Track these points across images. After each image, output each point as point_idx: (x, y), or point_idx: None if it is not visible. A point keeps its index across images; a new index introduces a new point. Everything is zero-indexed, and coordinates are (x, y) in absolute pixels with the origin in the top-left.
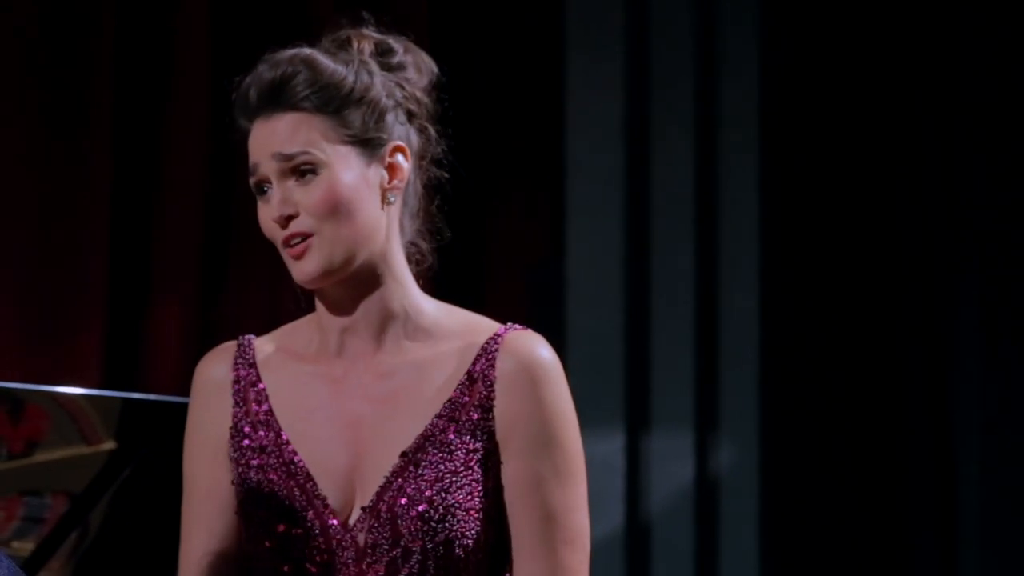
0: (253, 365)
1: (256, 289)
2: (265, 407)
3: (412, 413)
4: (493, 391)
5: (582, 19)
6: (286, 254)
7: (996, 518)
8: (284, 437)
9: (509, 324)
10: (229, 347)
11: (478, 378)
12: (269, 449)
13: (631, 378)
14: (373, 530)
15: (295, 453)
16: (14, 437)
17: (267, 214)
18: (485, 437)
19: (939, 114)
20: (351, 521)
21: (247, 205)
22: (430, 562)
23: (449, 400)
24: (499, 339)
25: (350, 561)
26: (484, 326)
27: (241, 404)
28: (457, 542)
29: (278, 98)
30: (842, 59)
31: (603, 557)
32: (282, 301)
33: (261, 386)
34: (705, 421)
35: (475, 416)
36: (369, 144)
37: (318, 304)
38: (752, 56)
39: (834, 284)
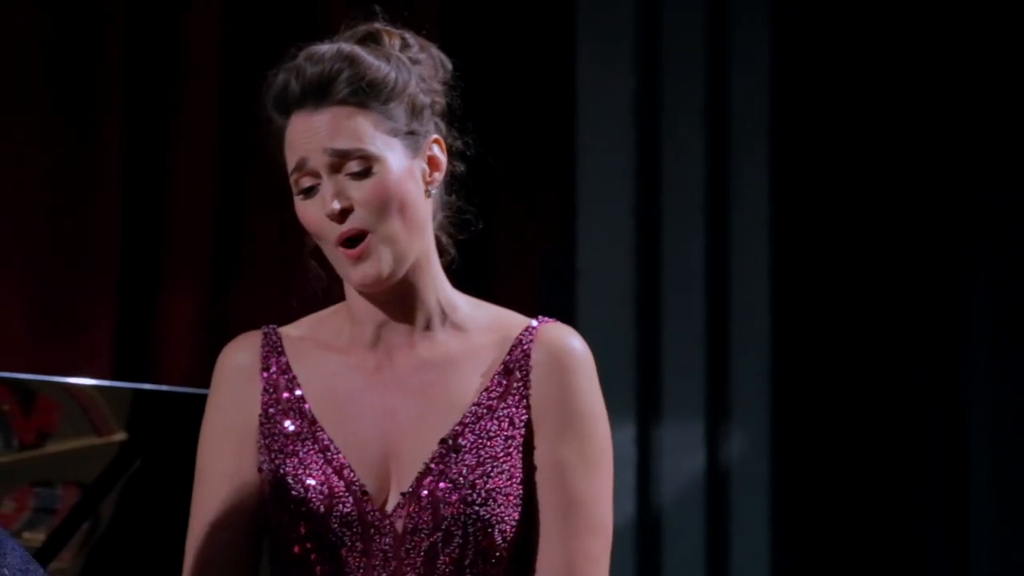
0: (282, 353)
1: (267, 280)
2: (298, 395)
3: (448, 403)
4: (529, 380)
5: (593, 8)
6: (340, 255)
7: (1008, 509)
8: (318, 425)
9: (541, 317)
10: (255, 335)
11: (514, 368)
12: (303, 437)
13: (642, 368)
14: (413, 515)
15: (331, 441)
16: (26, 428)
17: (316, 210)
18: (522, 425)
19: (950, 104)
20: (389, 508)
21: (258, 197)
22: (469, 547)
23: (486, 390)
24: (533, 331)
25: (388, 547)
26: (515, 320)
27: (272, 391)
28: (497, 527)
29: (325, 93)
30: (853, 48)
31: (614, 547)
32: (293, 292)
33: (292, 374)
34: (716, 411)
35: (512, 405)
36: (412, 137)
37: (352, 297)
38: (763, 45)
39: (845, 274)
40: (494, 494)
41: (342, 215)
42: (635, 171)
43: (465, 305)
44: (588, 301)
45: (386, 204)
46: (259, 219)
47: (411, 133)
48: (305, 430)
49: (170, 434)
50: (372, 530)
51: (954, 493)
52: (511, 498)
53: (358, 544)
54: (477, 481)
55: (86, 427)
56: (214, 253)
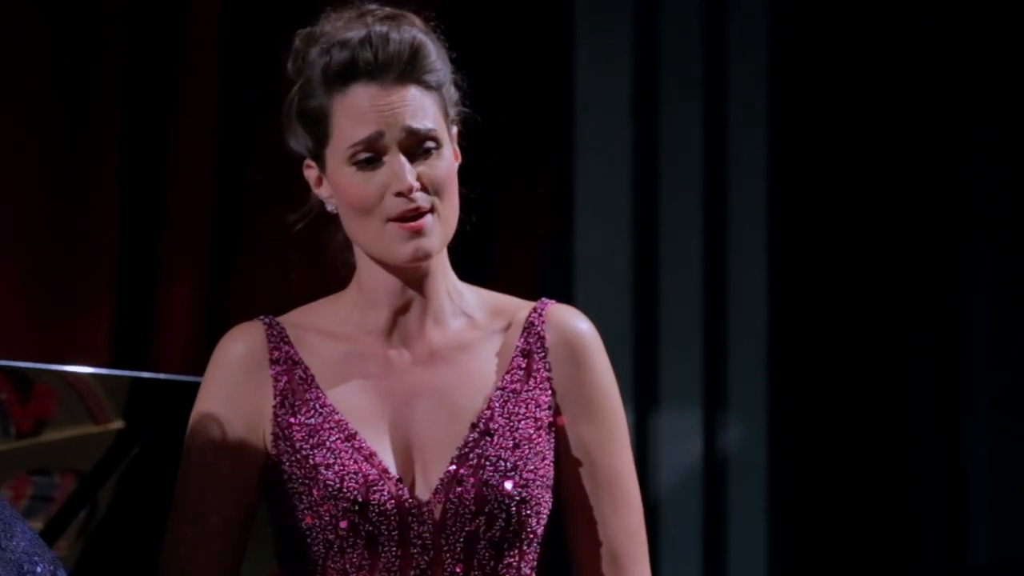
0: (289, 343)
1: (265, 268)
2: (313, 385)
3: (469, 388)
4: (548, 362)
5: None
6: (394, 229)
7: (1006, 498)
8: (339, 415)
9: (543, 299)
10: (255, 326)
11: (530, 352)
12: (326, 428)
13: (640, 357)
14: (453, 501)
15: (355, 431)
16: (23, 416)
17: (378, 183)
18: (547, 407)
19: (949, 93)
20: (424, 496)
21: (257, 185)
22: (509, 532)
23: (508, 372)
24: (542, 313)
25: (427, 535)
26: (518, 303)
27: (284, 382)
28: (534, 509)
29: (404, 70)
30: (851, 37)
31: None
32: (290, 280)
33: (304, 365)
34: (713, 399)
35: (535, 387)
36: (451, 123)
37: (373, 281)
38: (760, 35)
39: (842, 263)
40: (533, 476)
41: (412, 192)
42: (633, 160)
43: (467, 292)
44: (586, 289)
45: (448, 187)
46: (258, 207)
47: (452, 119)
48: (326, 420)
49: (167, 422)
50: (410, 518)
51: (951, 482)
52: (546, 479)
53: (395, 534)
54: (518, 463)
55: (84, 415)
56: (212, 241)
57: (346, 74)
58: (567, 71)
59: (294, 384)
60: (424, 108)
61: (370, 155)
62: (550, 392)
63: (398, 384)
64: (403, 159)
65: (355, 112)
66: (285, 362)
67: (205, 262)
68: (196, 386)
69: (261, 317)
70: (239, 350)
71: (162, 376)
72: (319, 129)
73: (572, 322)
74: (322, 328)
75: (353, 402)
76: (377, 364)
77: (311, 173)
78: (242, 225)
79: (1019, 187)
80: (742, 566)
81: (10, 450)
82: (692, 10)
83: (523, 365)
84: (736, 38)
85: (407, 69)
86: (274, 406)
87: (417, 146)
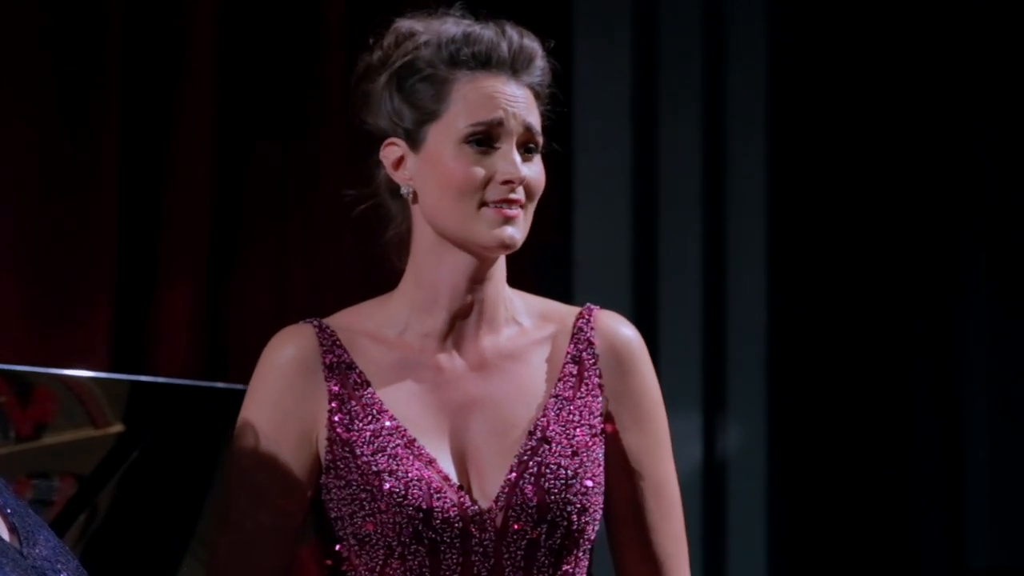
0: (342, 347)
1: (264, 271)
2: (369, 391)
3: (523, 398)
4: (598, 369)
5: (590, 0)
6: (489, 213)
7: (1004, 501)
8: (397, 420)
9: (588, 305)
10: (305, 328)
11: (581, 358)
12: (385, 433)
13: None
14: (516, 509)
15: (414, 437)
16: (23, 420)
17: (488, 166)
18: (599, 414)
19: (948, 94)
20: (484, 503)
21: (256, 190)
22: (568, 540)
23: (560, 380)
24: (589, 320)
25: (488, 543)
26: (563, 309)
27: (340, 387)
28: (591, 515)
29: (527, 70)
30: (849, 40)
31: None
32: (290, 283)
33: (358, 369)
34: (713, 403)
35: (587, 394)
36: None
37: (431, 280)
38: (759, 37)
39: (841, 266)
40: (592, 483)
41: (516, 184)
42: (632, 162)
43: (516, 298)
44: (585, 292)
45: (539, 191)
46: (256, 211)
47: None
48: (385, 426)
49: (167, 426)
50: (473, 526)
51: (950, 485)
52: (601, 486)
53: (456, 541)
54: (578, 471)
55: (83, 419)
56: (212, 245)
57: (478, 59)
58: (566, 73)
59: (349, 388)
60: (535, 110)
61: (487, 138)
62: (602, 400)
63: (452, 393)
64: (512, 149)
65: (481, 95)
66: (339, 365)
67: (204, 265)
68: (195, 390)
69: (310, 320)
70: (290, 354)
71: (161, 380)
72: (431, 105)
73: (620, 329)
74: (372, 332)
75: (407, 408)
76: (430, 372)
77: (392, 152)
78: (241, 228)
79: (1018, 190)
80: (741, 570)
81: (10, 454)
82: (691, 13)
83: (574, 372)
84: (735, 41)
85: (531, 72)
86: (329, 411)
87: (526, 144)
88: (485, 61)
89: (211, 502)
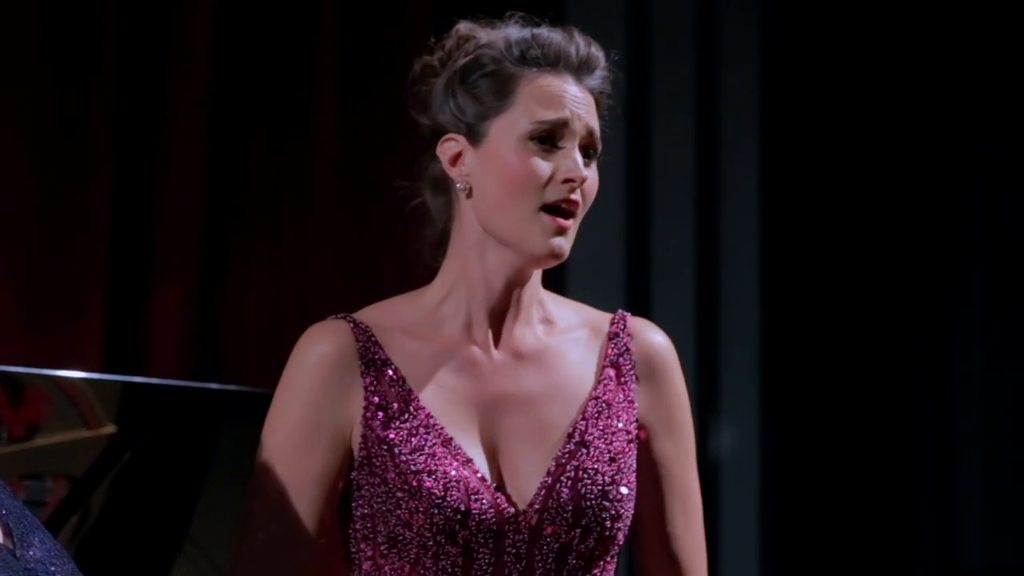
0: (378, 344)
1: (257, 273)
2: (406, 388)
3: (560, 397)
4: (634, 376)
5: (583, 1)
6: (545, 219)
7: (997, 502)
8: (433, 419)
9: (620, 311)
10: (339, 324)
11: (619, 363)
12: (422, 432)
13: None
14: (551, 512)
15: (451, 436)
16: (15, 421)
17: (550, 165)
18: (633, 420)
19: (940, 96)
20: (520, 504)
21: (249, 190)
22: (600, 545)
23: (600, 383)
24: (623, 326)
25: (521, 545)
26: (597, 314)
27: (376, 384)
28: (624, 524)
29: (591, 75)
30: (842, 42)
31: None
32: (283, 285)
33: (394, 366)
34: (706, 405)
35: (624, 400)
36: None
37: (476, 275)
38: (752, 40)
39: (834, 267)
40: (628, 490)
41: (577, 184)
42: (625, 163)
43: (548, 299)
44: (577, 293)
45: (592, 197)
46: (249, 212)
47: None
48: (422, 424)
49: (160, 427)
50: (507, 527)
51: (944, 486)
52: (633, 493)
53: (490, 541)
54: (616, 477)
55: (76, 420)
56: (205, 246)
57: (547, 58)
58: None
59: (385, 385)
60: (596, 117)
61: (552, 137)
62: (634, 406)
63: (487, 387)
64: (576, 152)
65: (549, 93)
66: (374, 362)
67: (197, 267)
68: (188, 391)
69: (343, 316)
70: (325, 351)
71: (154, 380)
72: (496, 98)
73: (654, 336)
74: (406, 327)
75: (443, 404)
76: (465, 366)
77: (451, 147)
78: (234, 230)
79: (1009, 194)
80: (734, 571)
81: (3, 455)
82: (685, 14)
83: (613, 376)
84: (728, 43)
85: (595, 78)
86: (364, 408)
87: (587, 148)
88: (554, 61)
89: (204, 503)
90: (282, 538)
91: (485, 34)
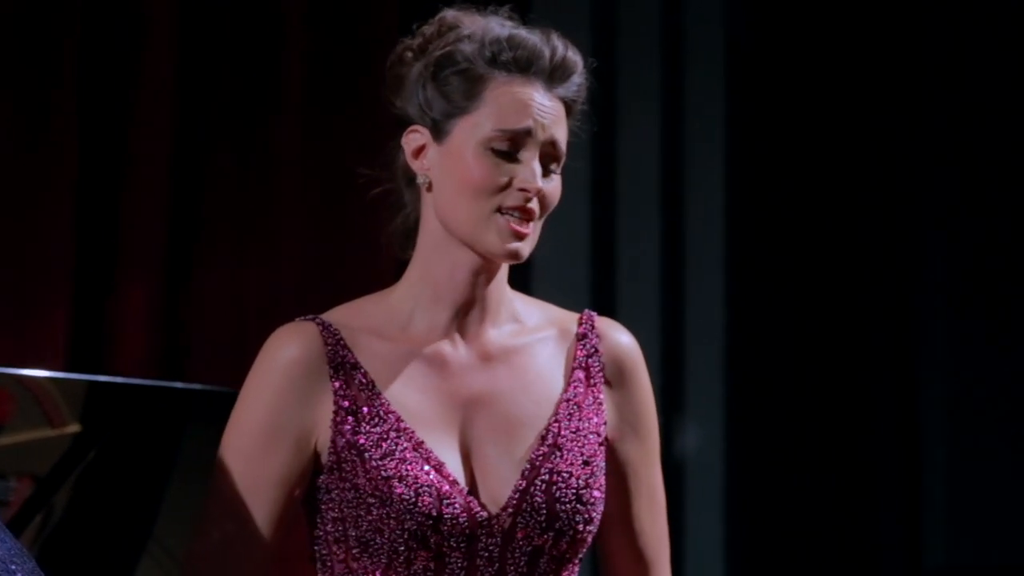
0: (346, 347)
1: (222, 272)
2: (374, 391)
3: (530, 394)
4: (603, 379)
5: (548, 1)
6: (502, 222)
7: (962, 501)
8: (404, 424)
9: (586, 310)
10: (307, 327)
11: (588, 365)
12: (392, 436)
13: None
14: (525, 515)
15: (422, 440)
16: None
17: (507, 173)
18: (602, 422)
19: (906, 96)
20: (492, 508)
21: (215, 188)
22: (571, 548)
23: (571, 384)
24: (591, 327)
25: (494, 548)
26: (561, 312)
27: (345, 388)
28: (594, 526)
29: (563, 84)
30: (808, 42)
31: None
32: (248, 283)
33: (363, 369)
34: (670, 405)
35: (592, 403)
36: None
37: (438, 273)
38: (718, 40)
39: (800, 266)
40: (600, 494)
41: (532, 195)
42: (590, 166)
43: (516, 298)
44: (542, 292)
45: (554, 203)
46: (214, 211)
47: None
48: (392, 427)
49: (124, 426)
50: (480, 530)
51: (908, 485)
52: (603, 495)
53: (462, 545)
54: (589, 481)
55: (40, 419)
56: (169, 245)
57: (518, 63)
58: None
59: (355, 389)
60: (563, 126)
61: (511, 146)
62: (603, 406)
63: (457, 387)
64: (535, 161)
65: (515, 99)
66: (344, 366)
67: (162, 266)
68: (152, 390)
69: (311, 317)
70: (294, 354)
71: (119, 380)
72: (464, 98)
73: (621, 337)
74: (374, 328)
75: (414, 407)
76: (434, 366)
77: (415, 139)
78: (199, 228)
79: (975, 189)
80: (698, 569)
81: None
82: (650, 15)
83: (582, 378)
84: (693, 44)
85: (567, 86)
86: (334, 412)
87: (548, 158)
88: (525, 67)
89: (168, 502)
90: (236, 537)
91: (469, 23)
